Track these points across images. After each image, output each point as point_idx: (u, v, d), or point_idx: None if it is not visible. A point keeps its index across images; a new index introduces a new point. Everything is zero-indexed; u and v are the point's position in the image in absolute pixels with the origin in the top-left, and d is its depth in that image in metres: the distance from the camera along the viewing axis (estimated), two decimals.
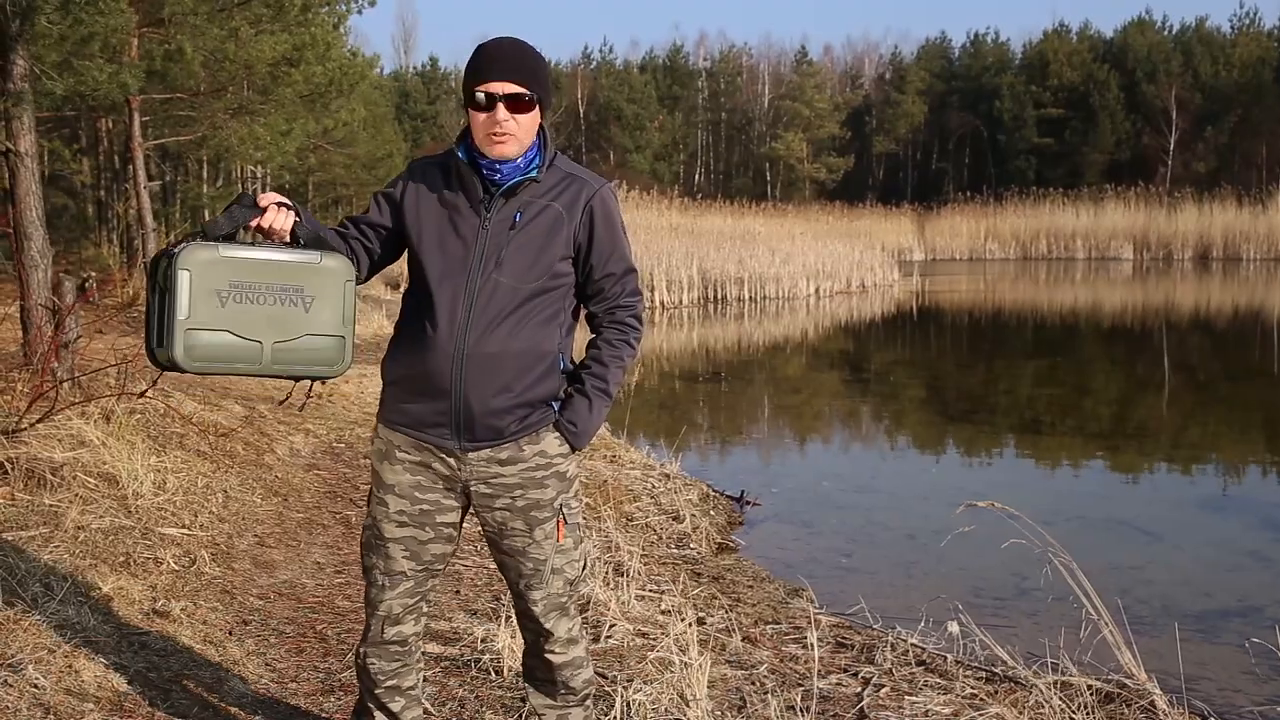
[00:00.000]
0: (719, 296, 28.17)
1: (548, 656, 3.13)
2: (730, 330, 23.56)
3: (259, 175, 24.80)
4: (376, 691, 3.19)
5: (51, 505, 5.55)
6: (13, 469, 5.83)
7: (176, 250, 2.79)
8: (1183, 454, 11.17)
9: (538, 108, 2.91)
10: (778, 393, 15.91)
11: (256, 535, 6.20)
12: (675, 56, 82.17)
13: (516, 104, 2.86)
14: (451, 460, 2.98)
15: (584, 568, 3.16)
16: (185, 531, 5.81)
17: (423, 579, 3.10)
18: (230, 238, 2.86)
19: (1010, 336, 23.17)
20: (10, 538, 5.02)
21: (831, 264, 31.80)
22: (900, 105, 78.01)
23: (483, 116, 2.87)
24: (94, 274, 14.89)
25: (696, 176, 77.48)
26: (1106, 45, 74.14)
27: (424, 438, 2.98)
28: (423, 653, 4.53)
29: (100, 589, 4.70)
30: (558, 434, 3.03)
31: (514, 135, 2.88)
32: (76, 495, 5.71)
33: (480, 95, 2.87)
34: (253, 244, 2.87)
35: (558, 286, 2.98)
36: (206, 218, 23.52)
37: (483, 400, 2.90)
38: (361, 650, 3.18)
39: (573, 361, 3.09)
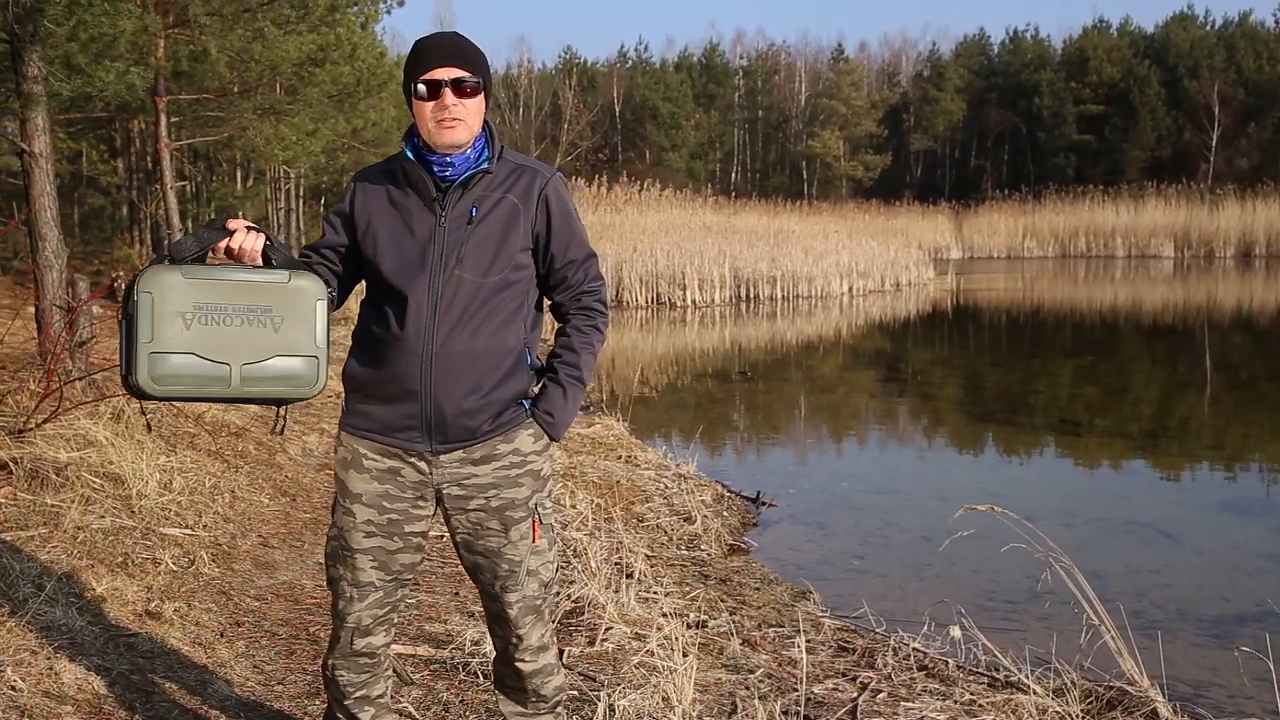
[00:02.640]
0: (751, 295, 28.06)
1: (517, 664, 3.07)
2: (761, 329, 23.44)
3: (291, 175, 24.91)
4: (346, 703, 3.14)
5: (53, 505, 5.55)
6: (17, 468, 5.85)
7: (137, 275, 2.74)
8: (1213, 455, 10.99)
9: (482, 94, 2.88)
10: (804, 392, 15.80)
11: (260, 536, 6.19)
12: (711, 55, 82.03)
13: (461, 89, 2.83)
14: (422, 464, 2.93)
15: (557, 570, 3.10)
16: (188, 532, 5.80)
17: (392, 589, 3.04)
18: (200, 260, 2.81)
19: (1047, 335, 22.91)
20: (8, 538, 5.03)
21: (865, 262, 31.61)
22: (938, 102, 77.50)
23: (429, 105, 2.83)
24: (121, 274, 15.00)
25: (733, 175, 77.29)
26: (1147, 41, 73.34)
27: (392, 443, 2.92)
28: (413, 655, 4.52)
29: (94, 590, 4.70)
30: (531, 431, 2.98)
31: (462, 120, 2.84)
32: (79, 495, 5.71)
33: (423, 86, 2.83)
34: (218, 265, 2.82)
35: (519, 280, 2.93)
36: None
37: (453, 401, 2.85)
38: (330, 662, 3.12)
39: (539, 357, 3.04)
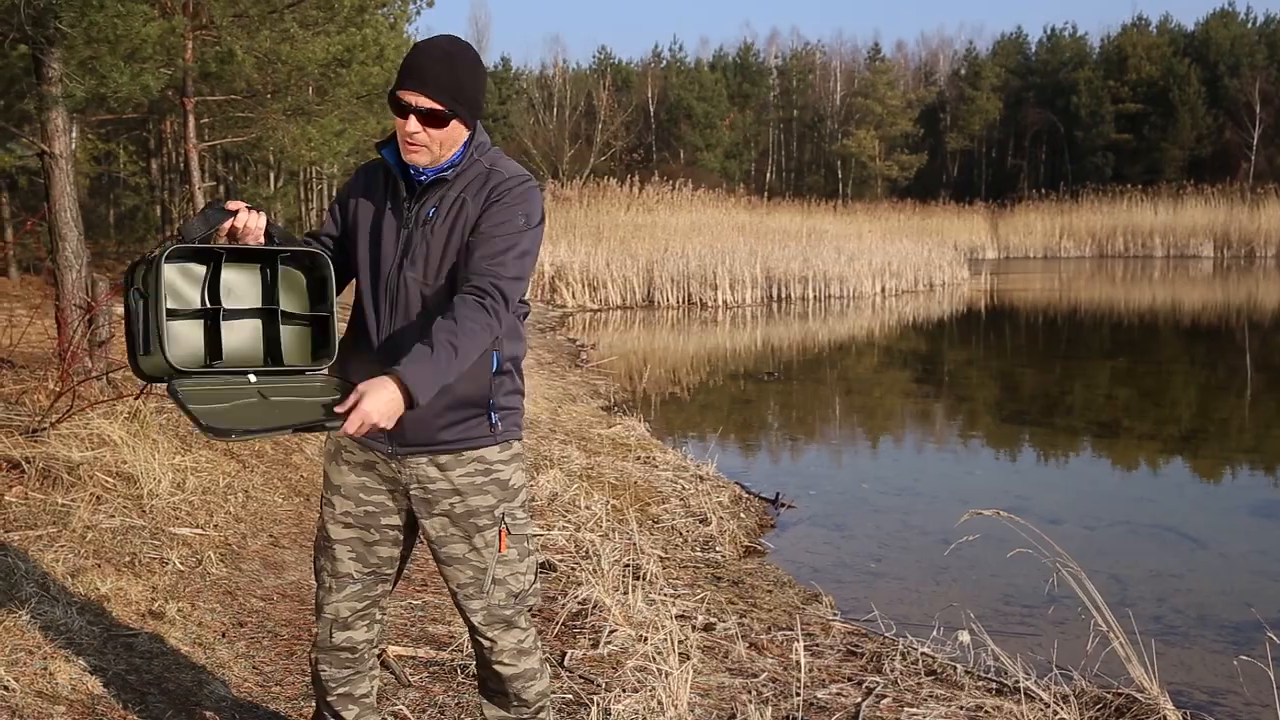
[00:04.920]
0: (783, 295, 27.92)
1: (496, 668, 3.05)
2: (792, 329, 23.32)
3: (324, 176, 25.04)
4: (329, 699, 3.14)
5: (63, 504, 5.57)
6: (29, 468, 5.87)
7: (159, 254, 2.74)
8: (1248, 459, 10.84)
9: (456, 121, 2.82)
10: (831, 392, 15.69)
11: (271, 535, 6.19)
12: (746, 54, 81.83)
13: (427, 119, 2.79)
14: (392, 464, 2.93)
15: (534, 580, 3.06)
16: (198, 531, 5.81)
17: (371, 583, 3.04)
18: (206, 240, 2.81)
19: (1083, 336, 22.67)
20: (16, 537, 5.04)
21: (898, 263, 31.41)
22: (975, 101, 76.96)
23: (399, 122, 2.81)
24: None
25: (768, 175, 77.04)
26: (1187, 39, 72.53)
27: (364, 440, 2.92)
28: (413, 657, 4.50)
29: (98, 589, 4.70)
30: (499, 442, 2.95)
31: (425, 147, 2.82)
32: (90, 494, 5.72)
33: (395, 103, 2.81)
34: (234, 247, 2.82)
35: None
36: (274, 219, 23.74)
37: None
38: (313, 656, 3.14)
39: (509, 359, 2.98)
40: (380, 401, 2.53)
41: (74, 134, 18.23)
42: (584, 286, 26.30)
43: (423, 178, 2.88)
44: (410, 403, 2.56)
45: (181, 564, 5.29)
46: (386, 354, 2.83)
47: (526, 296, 3.06)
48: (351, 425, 2.51)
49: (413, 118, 2.78)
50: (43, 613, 4.23)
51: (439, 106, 2.78)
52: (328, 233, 3.06)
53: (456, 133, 2.85)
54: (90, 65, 7.66)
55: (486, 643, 3.02)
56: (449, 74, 2.80)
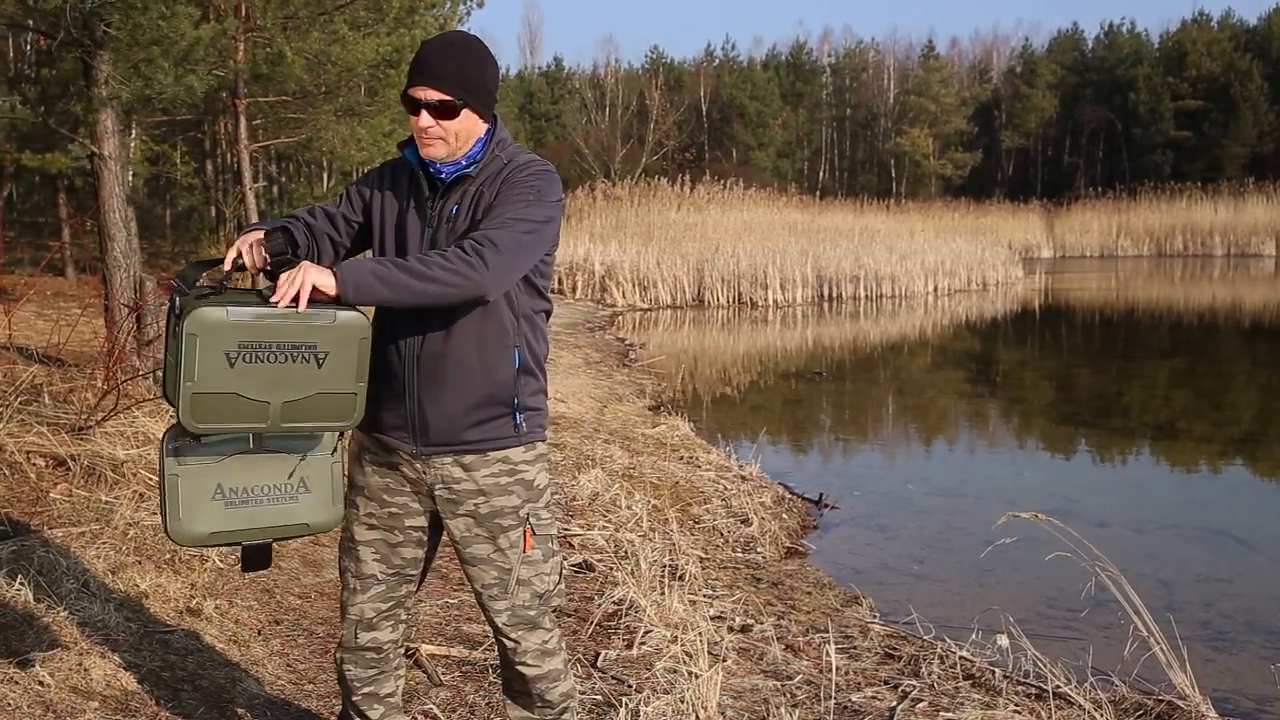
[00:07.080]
0: (834, 295, 27.75)
1: (520, 669, 3.04)
2: (843, 329, 23.16)
3: None
4: (354, 698, 3.15)
5: (106, 501, 5.64)
6: (74, 465, 5.95)
7: (184, 309, 2.66)
8: None
9: (469, 111, 2.82)
10: (879, 392, 15.57)
11: None
12: (799, 53, 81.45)
13: (439, 111, 2.79)
14: (417, 464, 2.93)
15: (558, 581, 3.05)
16: None
17: (395, 584, 3.06)
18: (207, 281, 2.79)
19: (1140, 336, 22.35)
20: (59, 533, 5.11)
21: (951, 262, 31.10)
22: (1030, 99, 76.14)
23: (413, 119, 2.82)
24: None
25: (820, 174, 76.67)
26: (1249, 33, 71.31)
27: (387, 440, 2.94)
28: (446, 656, 4.50)
29: (138, 586, 4.74)
30: (522, 444, 2.94)
31: (441, 139, 2.83)
32: (134, 492, 5.79)
33: (407, 102, 2.82)
34: (262, 302, 2.69)
35: None
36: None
37: (434, 402, 2.85)
38: (338, 656, 3.16)
39: (532, 357, 2.97)
40: (315, 273, 2.61)
41: (132, 134, 18.49)
42: (634, 286, 26.29)
43: (444, 174, 2.88)
44: (339, 289, 2.62)
45: (221, 561, 5.32)
46: (409, 351, 2.85)
47: (550, 294, 3.05)
48: (284, 295, 2.59)
49: (424, 112, 2.79)
50: (81, 609, 4.28)
51: (448, 97, 2.79)
52: (345, 215, 3.00)
53: (470, 123, 2.85)
54: (139, 67, 7.75)
55: (510, 644, 3.01)
56: (456, 66, 2.81)
